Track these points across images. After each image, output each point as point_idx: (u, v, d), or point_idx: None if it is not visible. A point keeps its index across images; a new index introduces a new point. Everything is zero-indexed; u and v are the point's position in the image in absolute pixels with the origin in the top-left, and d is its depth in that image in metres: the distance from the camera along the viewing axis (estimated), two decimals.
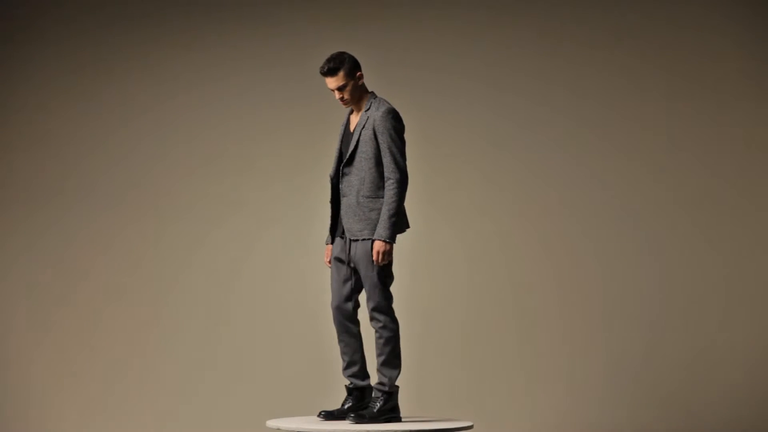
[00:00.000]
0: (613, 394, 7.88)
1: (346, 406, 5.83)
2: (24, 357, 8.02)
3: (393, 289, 5.84)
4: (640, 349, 7.90)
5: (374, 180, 5.72)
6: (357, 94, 5.80)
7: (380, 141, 5.70)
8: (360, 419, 5.68)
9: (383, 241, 5.66)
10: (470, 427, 5.78)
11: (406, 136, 5.78)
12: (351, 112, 5.91)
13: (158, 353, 7.99)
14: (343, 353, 5.89)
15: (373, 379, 5.86)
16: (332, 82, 5.77)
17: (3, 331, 8.04)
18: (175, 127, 8.13)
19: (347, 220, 5.76)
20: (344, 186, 5.77)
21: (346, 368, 5.88)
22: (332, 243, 5.89)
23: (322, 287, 7.95)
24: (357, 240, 5.75)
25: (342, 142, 5.88)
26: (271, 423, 5.75)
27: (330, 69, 5.76)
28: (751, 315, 7.91)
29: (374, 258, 5.69)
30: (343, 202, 5.78)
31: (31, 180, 8.10)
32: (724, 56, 8.00)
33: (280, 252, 8.04)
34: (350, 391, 5.86)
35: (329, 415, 5.80)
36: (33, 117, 8.14)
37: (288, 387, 7.87)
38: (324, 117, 8.04)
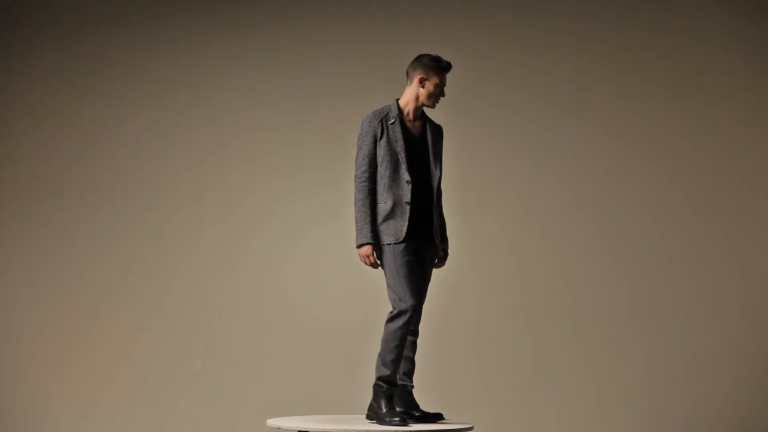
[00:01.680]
0: (615, 394, 7.87)
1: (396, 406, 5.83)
2: (23, 355, 8.01)
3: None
4: (643, 350, 7.89)
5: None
6: None
7: (441, 157, 5.92)
8: None
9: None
10: (471, 428, 5.78)
11: None
12: (397, 115, 5.84)
13: (158, 352, 7.99)
14: (402, 356, 5.84)
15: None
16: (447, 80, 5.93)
17: (1, 329, 8.03)
18: (174, 125, 8.12)
19: (436, 229, 5.86)
20: (430, 189, 5.84)
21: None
22: (401, 242, 5.77)
23: (322, 286, 7.95)
24: (436, 245, 5.89)
25: (407, 144, 5.82)
26: (272, 422, 5.75)
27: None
28: (759, 313, 7.91)
29: (440, 266, 5.96)
30: (435, 209, 5.86)
31: (29, 178, 8.10)
32: (725, 52, 8.00)
33: (281, 251, 8.04)
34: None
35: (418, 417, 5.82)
36: (32, 114, 8.14)
37: (288, 386, 7.87)
38: (323, 116, 8.04)
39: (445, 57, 5.91)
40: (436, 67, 5.84)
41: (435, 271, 5.99)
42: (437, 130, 5.95)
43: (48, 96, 8.15)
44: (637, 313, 7.93)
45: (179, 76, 8.14)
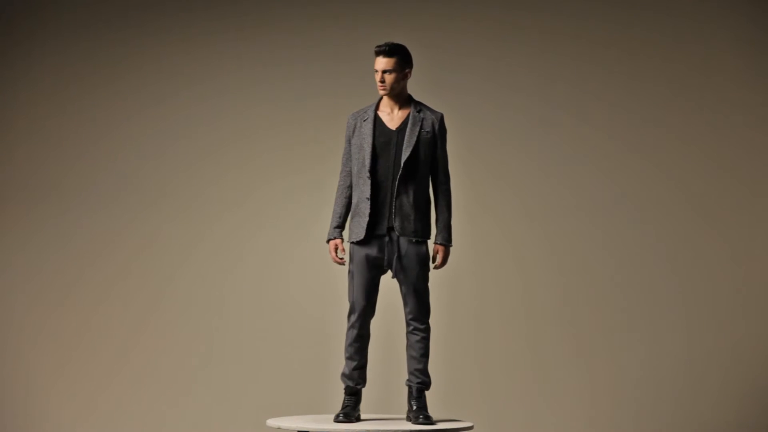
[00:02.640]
0: (615, 395, 7.87)
1: (348, 407, 5.85)
2: (22, 355, 8.01)
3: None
4: (643, 350, 7.88)
5: (427, 182, 5.84)
6: (398, 88, 5.83)
7: (439, 146, 5.85)
8: (430, 419, 5.79)
9: (448, 245, 5.84)
10: (470, 428, 5.78)
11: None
12: (376, 108, 5.88)
13: (157, 352, 7.98)
14: (359, 355, 5.87)
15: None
16: (383, 63, 5.81)
17: (1, 329, 8.03)
18: (173, 125, 8.12)
19: (403, 220, 5.76)
20: (399, 184, 5.74)
21: (360, 368, 5.90)
22: (362, 241, 5.78)
23: (322, 285, 7.95)
24: (411, 241, 5.78)
25: (376, 136, 5.81)
26: (272, 422, 5.75)
27: (388, 50, 5.81)
28: (759, 315, 7.91)
29: (440, 262, 5.85)
30: (398, 201, 5.75)
31: (29, 177, 8.10)
32: (726, 52, 7.99)
33: (280, 250, 8.04)
34: (358, 392, 5.91)
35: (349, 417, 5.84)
36: (31, 114, 8.14)
37: (288, 386, 7.87)
38: (323, 115, 8.04)
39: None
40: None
41: (438, 270, 5.96)
42: (418, 119, 5.84)
43: (48, 96, 8.15)
44: (637, 314, 7.92)
45: (178, 77, 8.14)
